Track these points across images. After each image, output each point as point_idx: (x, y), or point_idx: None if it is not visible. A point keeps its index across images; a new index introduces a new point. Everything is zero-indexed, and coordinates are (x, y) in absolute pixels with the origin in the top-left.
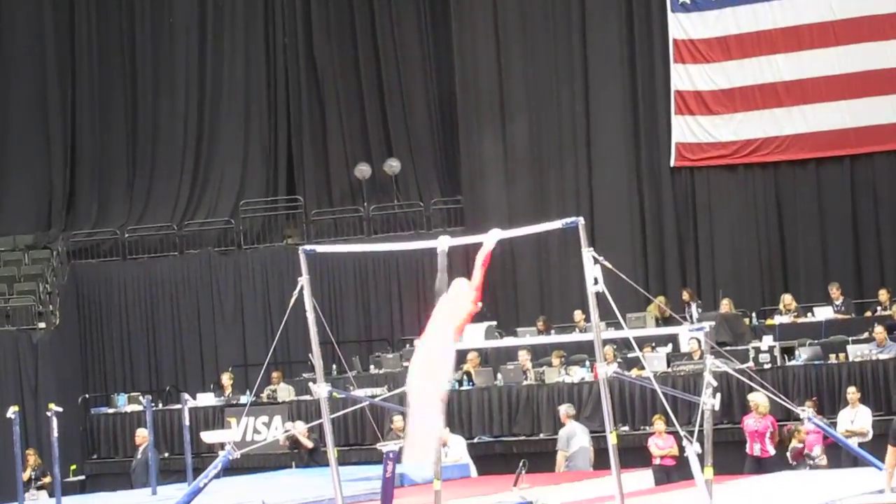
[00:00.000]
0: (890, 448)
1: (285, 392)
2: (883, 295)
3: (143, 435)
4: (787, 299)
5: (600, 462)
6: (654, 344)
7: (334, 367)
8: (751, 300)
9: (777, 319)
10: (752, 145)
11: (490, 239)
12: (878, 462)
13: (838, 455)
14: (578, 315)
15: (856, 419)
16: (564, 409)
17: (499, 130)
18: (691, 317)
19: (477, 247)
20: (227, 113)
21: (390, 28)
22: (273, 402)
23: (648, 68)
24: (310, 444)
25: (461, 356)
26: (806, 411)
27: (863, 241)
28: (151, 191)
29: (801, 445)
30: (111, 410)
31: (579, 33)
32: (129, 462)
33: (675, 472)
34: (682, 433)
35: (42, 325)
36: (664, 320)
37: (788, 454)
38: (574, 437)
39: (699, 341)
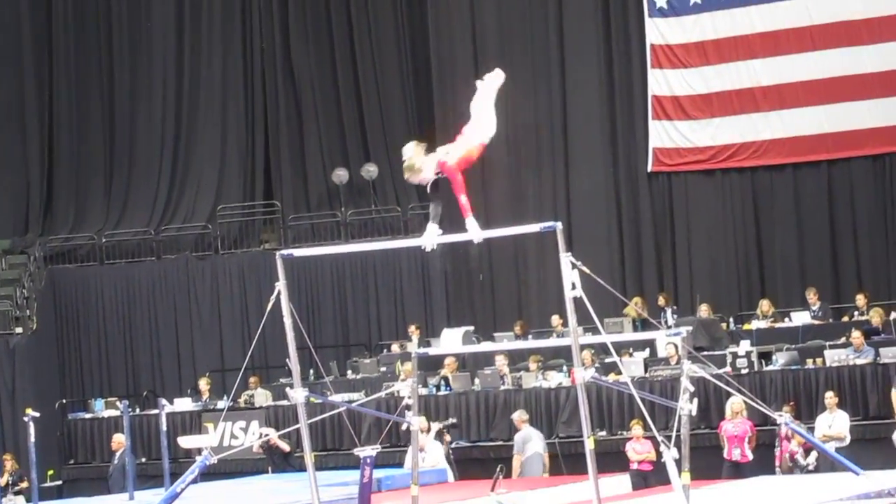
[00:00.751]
0: None
1: (262, 397)
2: (860, 300)
3: (119, 440)
4: (765, 305)
5: (576, 466)
6: (631, 349)
7: (311, 372)
8: (728, 305)
9: (754, 324)
10: (729, 150)
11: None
12: (855, 467)
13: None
14: (556, 320)
15: (833, 424)
16: (518, 415)
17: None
18: (666, 321)
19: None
20: (204, 118)
21: (368, 33)
22: (250, 406)
23: (626, 73)
24: (287, 448)
25: (438, 361)
26: (783, 416)
27: (840, 246)
28: (129, 195)
29: (797, 449)
30: (88, 415)
31: (557, 38)
32: (106, 467)
33: (652, 477)
34: (659, 438)
35: (19, 329)
36: (641, 322)
37: (778, 458)
38: (529, 442)
39: (676, 346)
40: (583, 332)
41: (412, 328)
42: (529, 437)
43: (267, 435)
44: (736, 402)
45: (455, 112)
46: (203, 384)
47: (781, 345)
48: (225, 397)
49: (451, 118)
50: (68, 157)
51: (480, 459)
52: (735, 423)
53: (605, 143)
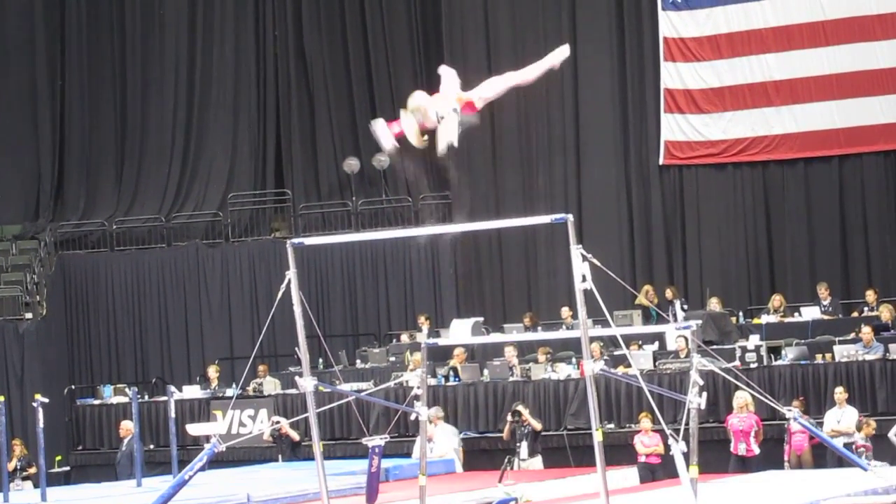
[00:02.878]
0: None
1: (271, 385)
2: (870, 295)
3: (127, 427)
4: (776, 301)
5: (584, 458)
6: (640, 342)
7: (321, 361)
8: (738, 299)
9: (764, 319)
10: (741, 144)
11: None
12: (863, 463)
13: (824, 455)
14: (566, 312)
15: (842, 419)
16: (434, 411)
17: (487, 126)
18: (674, 315)
19: None
20: (216, 105)
21: (380, 22)
22: (259, 395)
23: (638, 66)
24: (296, 437)
25: (447, 352)
26: (792, 411)
27: (850, 242)
28: (140, 182)
29: (865, 442)
30: (97, 401)
31: (570, 29)
32: (114, 453)
33: (660, 470)
34: (667, 431)
35: (29, 315)
36: (654, 312)
37: (786, 453)
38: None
39: (686, 339)
40: (592, 324)
41: (422, 318)
42: (446, 434)
43: (278, 422)
44: (741, 397)
45: None
46: (212, 371)
47: (791, 339)
48: (234, 385)
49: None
50: (80, 143)
51: (488, 450)
52: (741, 417)
53: (617, 136)
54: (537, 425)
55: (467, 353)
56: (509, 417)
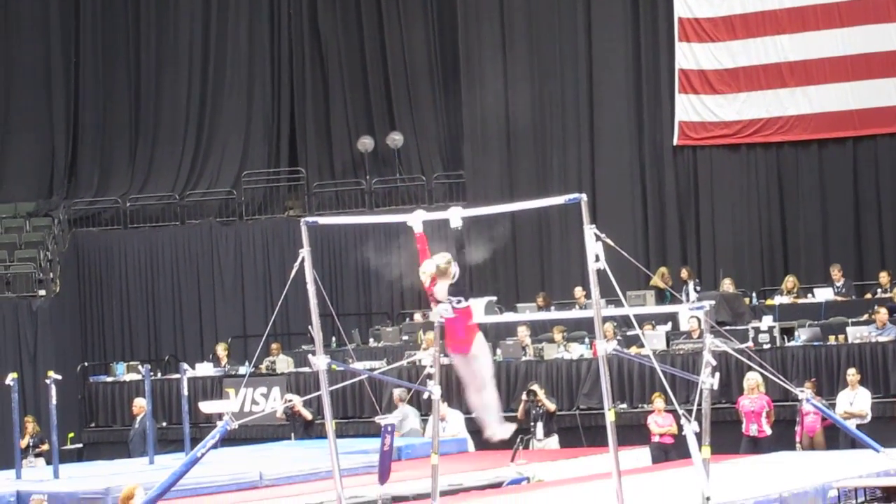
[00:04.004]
0: None
1: (284, 364)
2: (884, 277)
3: (140, 404)
4: (790, 282)
5: (596, 438)
6: (653, 322)
7: (334, 339)
8: (751, 280)
9: (777, 300)
10: (755, 125)
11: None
12: (875, 444)
13: (836, 437)
14: (579, 292)
15: (855, 401)
16: (398, 393)
17: (502, 106)
18: (687, 295)
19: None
20: (230, 83)
21: (395, 1)
22: (272, 373)
23: (653, 46)
24: (309, 416)
25: None
26: (805, 392)
27: (864, 223)
28: (153, 160)
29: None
30: (110, 379)
31: (584, 9)
32: (126, 431)
33: (672, 451)
34: (680, 412)
35: (42, 292)
36: (668, 294)
37: (798, 434)
38: (406, 420)
39: (699, 320)
40: (605, 304)
41: None
42: (406, 416)
43: (290, 400)
44: (752, 378)
45: (482, 83)
46: (220, 350)
47: (804, 321)
48: (246, 363)
49: (477, 89)
50: (94, 121)
51: None
52: (752, 398)
53: (632, 116)
54: (551, 406)
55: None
56: (524, 397)
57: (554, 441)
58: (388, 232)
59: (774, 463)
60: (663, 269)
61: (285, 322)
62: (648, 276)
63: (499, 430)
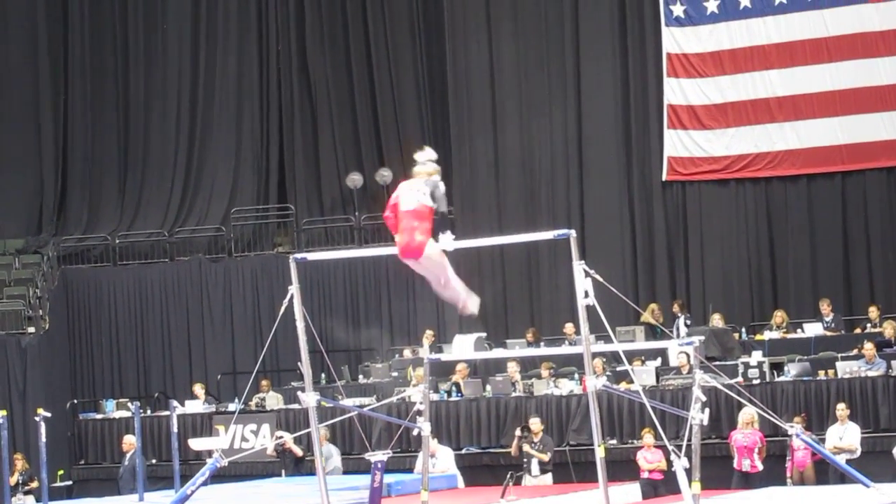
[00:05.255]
0: None
1: (274, 400)
2: (873, 312)
3: (130, 441)
4: (778, 317)
5: (586, 474)
6: (643, 357)
7: (323, 376)
8: (740, 315)
9: (766, 335)
10: (743, 160)
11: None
12: (865, 479)
13: (826, 471)
14: (568, 327)
15: (844, 436)
16: (323, 431)
17: (491, 141)
18: (678, 329)
19: None
20: (219, 120)
21: (384, 38)
22: (261, 410)
23: (641, 81)
24: (299, 452)
25: (450, 367)
26: (794, 427)
27: (853, 258)
28: (142, 197)
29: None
30: (99, 416)
31: (573, 45)
32: (116, 468)
33: (662, 486)
34: (670, 447)
35: (31, 329)
36: (658, 330)
37: (788, 469)
38: (330, 458)
39: (688, 356)
40: (595, 340)
41: (429, 333)
42: (330, 454)
43: (281, 437)
44: (747, 413)
45: (470, 119)
46: (198, 389)
47: (793, 356)
48: (236, 400)
49: (466, 125)
50: (83, 157)
51: (490, 466)
52: (745, 433)
53: (620, 151)
54: (544, 457)
55: (470, 368)
56: (518, 433)
57: (548, 478)
58: (377, 268)
59: (765, 498)
60: (653, 306)
61: (275, 358)
62: (638, 312)
63: (469, 303)
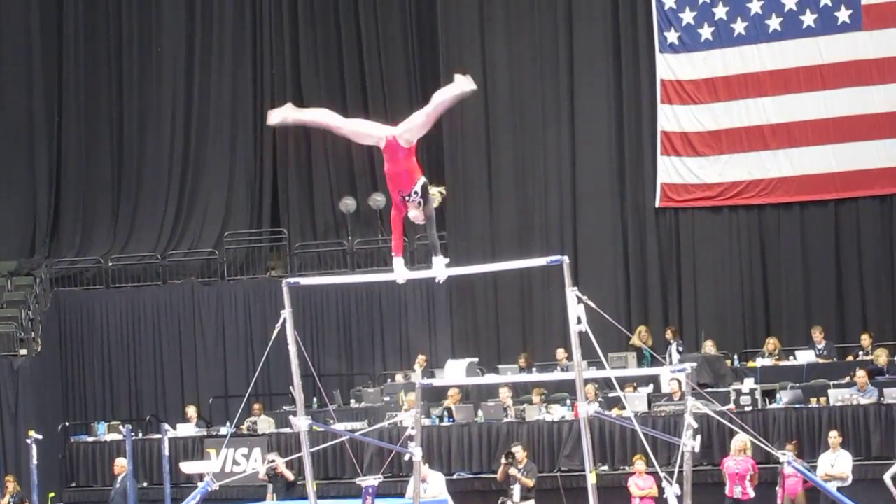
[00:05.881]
0: None
1: (265, 424)
2: (865, 339)
3: (121, 464)
4: (770, 344)
5: (577, 500)
6: (635, 384)
7: (315, 400)
8: (733, 342)
9: (759, 362)
10: (737, 187)
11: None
12: None
13: (817, 499)
14: (561, 353)
15: (836, 463)
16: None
17: (484, 167)
18: (670, 355)
19: None
20: (212, 144)
21: (378, 63)
22: (253, 433)
23: (635, 108)
24: (291, 476)
25: (442, 392)
26: (786, 455)
27: (846, 286)
28: (136, 220)
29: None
30: (91, 439)
31: (567, 71)
32: (107, 491)
33: None
34: (661, 474)
35: (23, 351)
36: (648, 354)
37: (780, 497)
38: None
39: (680, 382)
40: (587, 366)
41: (421, 358)
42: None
43: (273, 460)
44: (740, 440)
45: (464, 145)
46: (191, 411)
47: (785, 383)
48: (228, 423)
49: (459, 151)
50: (76, 180)
51: (482, 491)
52: (737, 460)
53: (614, 178)
54: (529, 482)
55: (462, 393)
56: (504, 459)
57: None
58: (370, 292)
59: None
60: (642, 328)
61: (267, 382)
62: (630, 338)
63: (461, 84)
